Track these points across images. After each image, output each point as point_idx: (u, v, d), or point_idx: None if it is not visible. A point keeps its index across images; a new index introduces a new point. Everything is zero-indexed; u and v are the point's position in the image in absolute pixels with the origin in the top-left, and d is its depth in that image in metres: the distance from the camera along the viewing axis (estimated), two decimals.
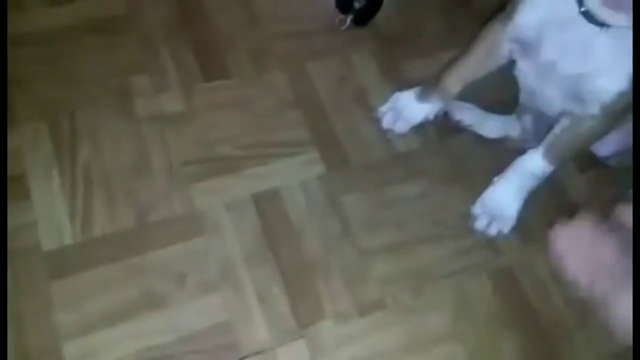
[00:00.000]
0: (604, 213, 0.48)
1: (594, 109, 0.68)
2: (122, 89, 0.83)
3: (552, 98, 0.72)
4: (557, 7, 0.64)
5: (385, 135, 0.85)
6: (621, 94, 0.64)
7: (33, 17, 0.88)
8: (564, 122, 0.73)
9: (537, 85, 0.72)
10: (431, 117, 0.83)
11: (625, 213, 0.45)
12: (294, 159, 0.81)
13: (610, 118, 0.69)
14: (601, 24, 0.60)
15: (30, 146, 0.77)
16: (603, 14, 0.59)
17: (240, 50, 0.89)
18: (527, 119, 0.82)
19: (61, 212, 0.73)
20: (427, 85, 0.82)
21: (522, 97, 0.81)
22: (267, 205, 0.77)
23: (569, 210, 0.72)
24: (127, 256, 0.72)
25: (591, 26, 0.61)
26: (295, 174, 0.80)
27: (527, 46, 0.69)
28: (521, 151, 0.78)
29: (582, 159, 0.86)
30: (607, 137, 0.80)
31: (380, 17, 0.94)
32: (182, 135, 0.80)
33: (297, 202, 0.78)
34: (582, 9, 0.60)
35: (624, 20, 0.57)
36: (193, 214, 0.75)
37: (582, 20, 0.61)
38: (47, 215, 0.73)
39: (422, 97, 0.83)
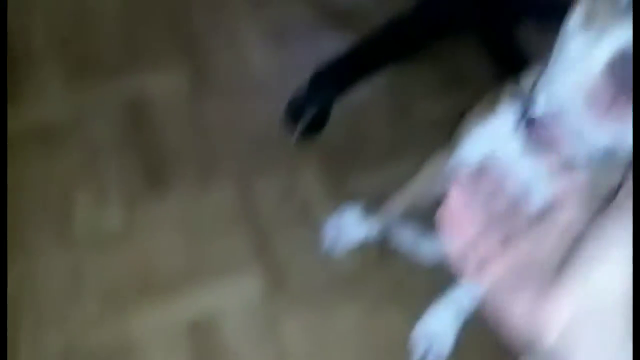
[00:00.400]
0: None
1: None
2: (60, 203, 0.82)
3: None
4: (497, 139, 0.66)
5: (327, 254, 0.85)
6: None
7: None
8: None
9: None
10: (372, 237, 0.84)
11: None
12: (234, 281, 0.80)
13: None
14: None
15: None
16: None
17: (187, 164, 0.89)
18: None
19: None
20: (371, 205, 0.83)
21: None
22: (202, 332, 0.76)
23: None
24: None
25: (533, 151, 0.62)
26: (233, 298, 0.79)
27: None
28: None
29: None
30: None
31: (327, 130, 0.95)
32: (120, 255, 0.79)
33: (234, 328, 0.77)
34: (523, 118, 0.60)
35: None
36: (124, 342, 0.73)
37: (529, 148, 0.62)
38: None
39: (365, 216, 0.83)
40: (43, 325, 0.72)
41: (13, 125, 0.87)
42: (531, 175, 0.61)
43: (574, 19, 0.46)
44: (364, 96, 0.98)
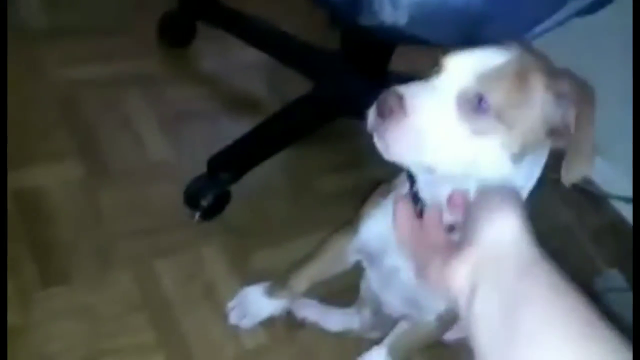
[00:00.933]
0: None
1: (430, 317, 0.74)
2: None
3: (393, 303, 0.77)
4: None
5: (233, 331, 0.85)
6: (449, 307, 0.71)
7: None
8: (403, 326, 0.78)
9: (380, 292, 0.77)
10: (278, 312, 0.85)
11: None
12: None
13: (445, 323, 0.74)
14: None
15: None
16: None
17: (83, 252, 0.87)
18: (366, 313, 0.87)
19: None
20: (275, 282, 0.85)
21: (364, 292, 0.87)
22: None
23: None
24: None
25: None
26: None
27: (372, 256, 0.74)
28: (366, 341, 0.83)
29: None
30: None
31: (229, 209, 0.98)
32: (18, 352, 0.75)
33: None
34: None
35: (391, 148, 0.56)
36: None
37: None
38: None
39: (270, 293, 0.85)
40: None
41: None
42: None
43: None
44: (264, 176, 1.03)
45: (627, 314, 1.10)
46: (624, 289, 1.16)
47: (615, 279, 1.16)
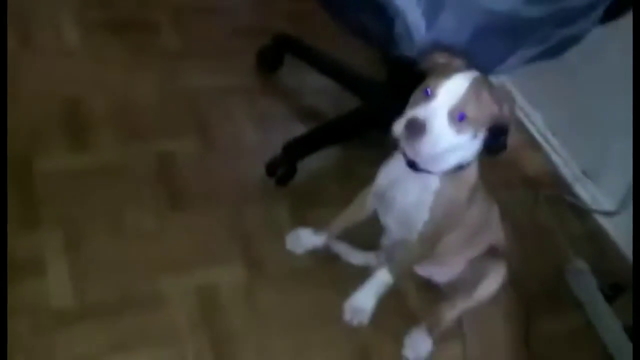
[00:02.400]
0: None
1: (414, 236, 1.13)
2: None
3: (392, 227, 1.18)
4: (400, 166, 1.10)
5: (290, 254, 1.28)
6: (426, 223, 1.08)
7: None
8: (398, 248, 1.18)
9: (386, 219, 1.18)
10: (320, 244, 1.27)
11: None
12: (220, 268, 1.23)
13: (424, 242, 1.13)
14: (416, 171, 1.05)
15: None
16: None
17: None
18: (382, 256, 1.27)
19: None
20: (320, 226, 1.28)
21: (383, 239, 1.28)
22: None
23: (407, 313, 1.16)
24: None
25: (412, 173, 1.06)
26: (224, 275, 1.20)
27: (380, 195, 1.16)
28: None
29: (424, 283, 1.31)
30: (442, 270, 1.27)
31: (294, 180, 1.41)
32: None
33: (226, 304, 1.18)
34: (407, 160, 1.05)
35: (420, 155, 0.98)
36: None
37: (410, 172, 1.05)
38: None
39: (315, 231, 1.28)
40: None
41: None
42: (413, 185, 1.08)
43: None
44: (322, 160, 1.46)
45: (589, 296, 1.43)
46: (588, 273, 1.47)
47: (582, 266, 1.48)
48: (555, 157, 1.78)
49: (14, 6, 1.55)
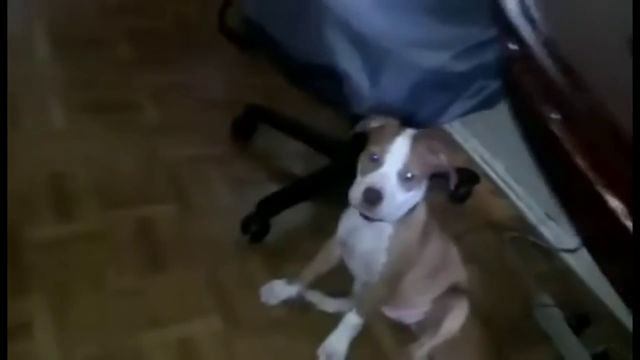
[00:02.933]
0: None
1: (376, 278, 1.21)
2: None
3: (357, 271, 1.26)
4: (355, 217, 1.20)
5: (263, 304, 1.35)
6: (385, 264, 1.17)
7: None
8: (364, 289, 1.26)
9: (350, 263, 1.26)
10: (293, 295, 1.34)
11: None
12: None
13: (386, 282, 1.21)
14: (368, 219, 1.15)
15: None
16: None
17: None
18: (354, 299, 1.34)
19: None
20: (292, 277, 1.35)
21: (354, 285, 1.35)
22: None
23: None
24: None
25: (367, 223, 1.16)
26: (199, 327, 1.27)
27: (344, 243, 1.25)
28: None
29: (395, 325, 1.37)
30: (410, 312, 1.34)
31: (268, 237, 1.50)
32: None
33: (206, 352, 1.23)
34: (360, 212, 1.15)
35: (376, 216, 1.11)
36: None
37: (365, 222, 1.16)
38: None
39: (288, 282, 1.35)
40: None
41: None
42: (369, 233, 1.17)
43: None
44: (295, 217, 1.56)
45: (557, 330, 1.49)
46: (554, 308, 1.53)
47: (548, 301, 1.55)
48: (519, 203, 1.89)
49: (8, 98, 1.71)
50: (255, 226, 1.48)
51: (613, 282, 0.53)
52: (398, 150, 1.04)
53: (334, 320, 1.30)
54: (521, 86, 0.62)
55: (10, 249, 1.33)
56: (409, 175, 1.03)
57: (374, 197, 1.02)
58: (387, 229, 1.15)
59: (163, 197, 1.57)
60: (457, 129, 2.08)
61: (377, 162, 1.05)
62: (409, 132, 1.07)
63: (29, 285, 1.27)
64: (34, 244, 1.36)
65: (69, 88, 1.86)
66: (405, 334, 1.36)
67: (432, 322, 1.30)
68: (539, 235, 1.78)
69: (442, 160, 1.08)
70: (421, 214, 1.16)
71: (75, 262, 1.35)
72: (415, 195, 1.10)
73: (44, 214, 1.44)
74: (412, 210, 1.13)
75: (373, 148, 1.06)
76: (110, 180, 1.58)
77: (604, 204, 0.48)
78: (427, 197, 1.14)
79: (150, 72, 2.00)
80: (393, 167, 1.03)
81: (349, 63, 1.18)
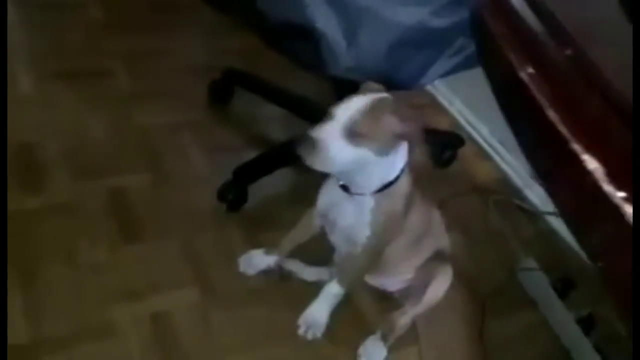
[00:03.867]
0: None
1: (358, 249, 1.17)
2: None
3: (338, 244, 1.22)
4: (335, 191, 1.16)
5: (243, 273, 1.31)
6: (368, 237, 1.13)
7: None
8: (346, 259, 1.22)
9: (332, 237, 1.23)
10: (272, 265, 1.31)
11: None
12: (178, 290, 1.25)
13: (369, 253, 1.17)
14: (350, 194, 1.12)
15: None
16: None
17: None
18: (334, 270, 1.31)
19: None
20: (271, 246, 1.31)
21: (334, 254, 1.31)
22: None
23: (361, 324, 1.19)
24: None
25: (348, 196, 1.13)
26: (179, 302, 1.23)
27: (325, 216, 1.21)
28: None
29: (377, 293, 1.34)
30: (393, 279, 1.31)
31: (247, 205, 1.46)
32: None
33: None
34: (340, 184, 1.12)
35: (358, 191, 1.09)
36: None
37: (346, 195, 1.13)
38: None
39: (267, 252, 1.31)
40: None
41: None
42: (350, 206, 1.13)
43: None
44: (273, 185, 1.51)
45: (542, 294, 1.47)
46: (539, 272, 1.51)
47: (533, 265, 1.52)
48: (504, 165, 1.85)
49: None
50: (232, 194, 1.43)
51: (591, 255, 0.48)
52: (351, 106, 0.99)
53: (315, 289, 1.27)
54: (488, 28, 0.56)
55: None
56: (357, 130, 0.99)
57: (309, 145, 0.99)
58: (369, 202, 1.10)
59: (136, 166, 1.51)
60: (441, 91, 2.03)
61: (329, 116, 1.01)
62: (378, 95, 1.02)
63: None
64: None
65: (37, 54, 1.78)
66: (388, 301, 1.34)
67: (415, 289, 1.27)
68: (524, 198, 1.75)
69: (409, 129, 1.02)
70: (404, 185, 1.11)
71: (45, 235, 1.29)
72: (383, 164, 1.05)
73: (12, 185, 1.38)
74: (392, 183, 1.08)
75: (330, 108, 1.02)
76: (81, 150, 1.52)
77: (580, 165, 0.43)
78: (409, 166, 1.09)
79: (122, 36, 1.91)
80: (339, 121, 0.99)
81: (325, 22, 1.12)
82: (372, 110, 0.99)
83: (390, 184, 1.09)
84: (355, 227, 1.14)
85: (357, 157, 1.00)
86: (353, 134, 0.99)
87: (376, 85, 1.06)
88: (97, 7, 2.02)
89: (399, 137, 1.02)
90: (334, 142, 0.99)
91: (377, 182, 1.08)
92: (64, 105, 1.64)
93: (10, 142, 1.48)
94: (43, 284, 1.20)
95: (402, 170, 1.09)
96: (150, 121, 1.65)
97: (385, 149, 1.03)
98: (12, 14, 1.89)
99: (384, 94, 1.04)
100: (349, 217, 1.14)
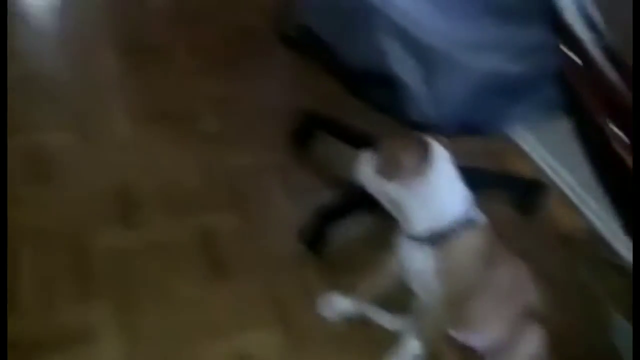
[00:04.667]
0: None
1: (436, 301, 1.15)
2: None
3: (417, 291, 1.22)
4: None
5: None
6: (440, 287, 1.12)
7: None
8: (425, 309, 1.21)
9: (410, 284, 1.22)
10: (351, 309, 1.31)
11: None
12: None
13: (445, 307, 1.15)
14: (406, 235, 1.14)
15: None
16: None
17: None
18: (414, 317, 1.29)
19: None
20: (352, 290, 1.33)
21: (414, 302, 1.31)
22: None
23: None
24: None
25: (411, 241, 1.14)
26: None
27: (400, 260, 1.21)
28: None
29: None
30: (480, 335, 1.28)
31: (328, 250, 1.48)
32: None
33: None
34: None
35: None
36: None
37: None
38: None
39: (347, 296, 1.32)
40: None
41: None
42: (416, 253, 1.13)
43: None
44: (354, 228, 1.53)
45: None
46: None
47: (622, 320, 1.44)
48: (590, 215, 1.78)
49: (74, 108, 1.79)
50: (313, 236, 1.46)
51: None
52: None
53: (395, 336, 1.27)
54: (580, 99, 0.55)
55: (79, 256, 1.37)
56: (379, 163, 1.11)
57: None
58: (428, 250, 1.11)
59: (223, 206, 1.58)
60: (523, 137, 1.99)
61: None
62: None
63: (94, 291, 1.31)
64: (101, 251, 1.40)
65: (133, 98, 1.91)
66: (472, 357, 1.31)
67: (502, 348, 1.23)
68: (613, 250, 1.68)
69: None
70: (472, 240, 1.10)
71: (139, 269, 1.37)
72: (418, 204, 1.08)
73: (110, 222, 1.48)
74: (447, 235, 1.09)
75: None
76: (173, 189, 1.61)
77: None
78: (488, 219, 1.09)
79: (209, 81, 2.02)
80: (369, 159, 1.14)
81: (404, 68, 1.16)
82: (385, 151, 1.09)
83: (445, 237, 1.09)
84: (422, 274, 1.14)
85: (382, 188, 1.11)
86: (380, 170, 1.11)
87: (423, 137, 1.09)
88: (186, 53, 2.15)
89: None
90: (368, 177, 1.14)
91: (423, 223, 1.10)
92: (157, 146, 1.74)
93: (111, 181, 1.59)
94: (138, 316, 1.27)
95: (459, 222, 1.09)
96: (235, 162, 1.72)
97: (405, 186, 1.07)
98: (113, 59, 2.05)
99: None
100: (417, 262, 1.15)
